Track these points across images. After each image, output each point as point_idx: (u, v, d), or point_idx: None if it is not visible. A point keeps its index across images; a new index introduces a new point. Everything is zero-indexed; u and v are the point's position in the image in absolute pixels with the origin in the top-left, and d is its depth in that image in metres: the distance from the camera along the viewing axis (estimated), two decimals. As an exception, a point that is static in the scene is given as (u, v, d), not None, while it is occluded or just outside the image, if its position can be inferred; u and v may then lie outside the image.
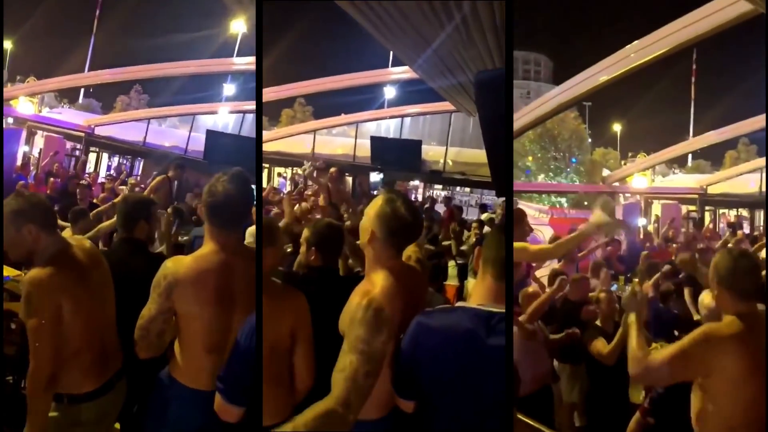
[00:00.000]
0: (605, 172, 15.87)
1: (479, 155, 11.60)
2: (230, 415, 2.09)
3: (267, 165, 16.47)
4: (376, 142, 14.64)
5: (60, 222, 4.84)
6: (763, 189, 13.16)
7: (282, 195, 11.92)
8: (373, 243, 2.06)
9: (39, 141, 14.58)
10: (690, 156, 24.14)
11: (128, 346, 2.34)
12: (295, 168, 18.04)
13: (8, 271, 4.43)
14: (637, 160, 16.14)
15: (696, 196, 14.76)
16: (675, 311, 5.28)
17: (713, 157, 22.55)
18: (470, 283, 6.07)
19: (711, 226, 12.55)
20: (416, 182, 15.61)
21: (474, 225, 9.57)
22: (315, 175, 6.28)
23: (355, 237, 2.72)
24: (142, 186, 8.47)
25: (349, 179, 14.28)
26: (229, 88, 20.93)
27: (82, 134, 15.02)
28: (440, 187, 18.71)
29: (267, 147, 15.79)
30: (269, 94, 15.85)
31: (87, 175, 12.11)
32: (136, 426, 2.50)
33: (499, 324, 1.82)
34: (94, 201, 7.42)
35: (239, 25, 23.46)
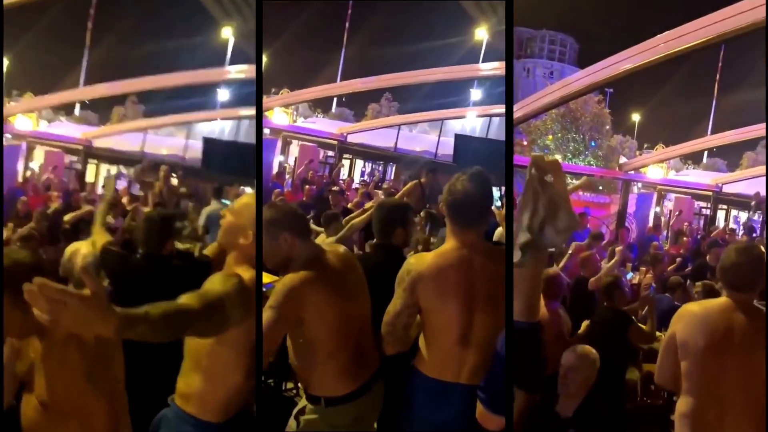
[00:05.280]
0: (622, 160, 15.81)
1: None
2: (492, 424, 1.98)
3: (350, 156, 16.50)
4: (461, 140, 14.38)
5: (314, 227, 5.19)
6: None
7: (360, 186, 12.23)
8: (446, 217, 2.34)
9: (293, 150, 14.43)
10: (705, 153, 22.81)
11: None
12: (378, 161, 18.49)
13: (267, 278, 4.07)
14: (654, 151, 15.50)
15: (710, 193, 14.26)
16: (677, 303, 5.20)
17: (730, 157, 22.00)
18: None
19: (723, 225, 12.54)
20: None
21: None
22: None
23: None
24: (394, 190, 8.25)
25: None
26: (475, 93, 21.34)
27: (335, 142, 14.81)
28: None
29: (349, 139, 16.03)
30: (356, 84, 16.28)
31: (341, 181, 11.87)
32: (388, 419, 2.54)
33: None
34: (348, 206, 7.36)
35: (482, 33, 24.37)
